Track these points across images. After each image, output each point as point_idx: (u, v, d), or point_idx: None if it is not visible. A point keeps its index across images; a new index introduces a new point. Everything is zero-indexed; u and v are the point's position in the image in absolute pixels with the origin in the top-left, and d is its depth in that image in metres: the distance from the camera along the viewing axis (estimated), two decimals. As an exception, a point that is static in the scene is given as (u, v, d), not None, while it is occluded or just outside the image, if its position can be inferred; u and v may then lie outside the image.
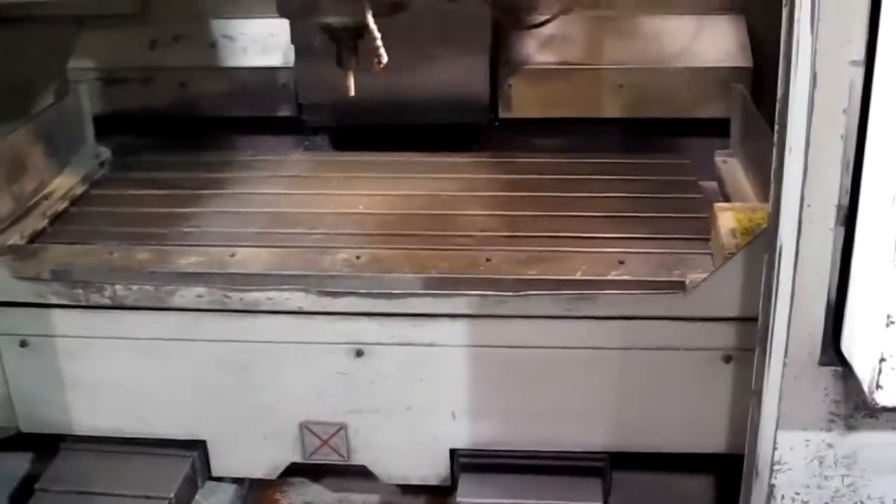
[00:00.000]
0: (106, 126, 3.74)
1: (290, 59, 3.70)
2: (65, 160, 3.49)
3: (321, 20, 2.72)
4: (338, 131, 3.83)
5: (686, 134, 3.58)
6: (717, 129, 3.50)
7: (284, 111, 3.78)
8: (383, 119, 3.64)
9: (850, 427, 1.87)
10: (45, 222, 3.13)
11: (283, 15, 3.05)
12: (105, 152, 3.65)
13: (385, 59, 2.60)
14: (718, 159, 3.38)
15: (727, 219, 2.67)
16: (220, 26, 3.80)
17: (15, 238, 3.00)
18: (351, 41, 2.76)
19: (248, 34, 3.78)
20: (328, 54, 2.81)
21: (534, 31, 3.58)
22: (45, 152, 3.37)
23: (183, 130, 3.79)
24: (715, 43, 3.56)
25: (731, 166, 3.34)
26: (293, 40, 3.57)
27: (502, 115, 3.68)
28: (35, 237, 3.06)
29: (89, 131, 3.67)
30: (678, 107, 3.55)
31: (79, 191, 3.38)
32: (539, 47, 3.64)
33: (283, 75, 3.73)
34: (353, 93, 2.80)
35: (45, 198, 3.29)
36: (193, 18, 3.80)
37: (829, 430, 1.87)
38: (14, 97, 3.76)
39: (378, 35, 2.58)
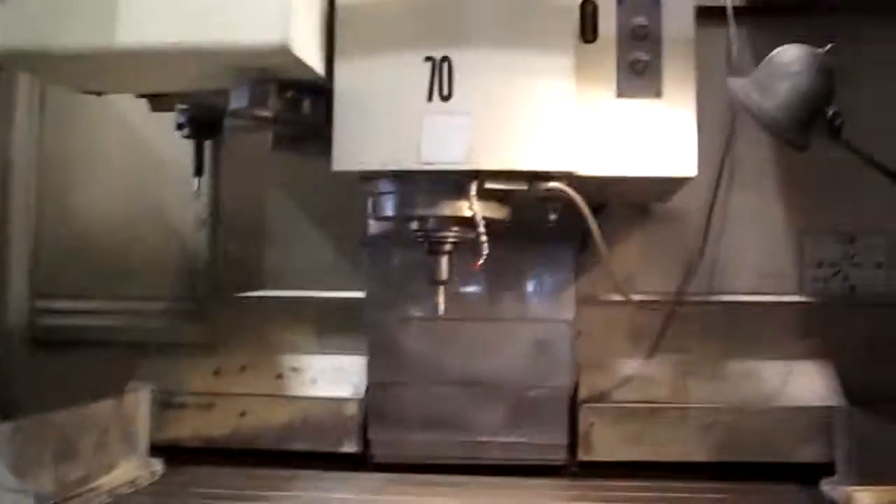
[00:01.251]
0: (158, 453, 3.50)
1: (361, 391, 3.58)
2: (115, 460, 3.22)
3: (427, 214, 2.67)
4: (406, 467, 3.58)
5: (780, 478, 3.34)
6: (812, 473, 3.28)
7: (349, 446, 3.57)
8: (459, 452, 3.44)
9: None
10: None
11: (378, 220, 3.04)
12: (157, 463, 3.38)
13: (486, 251, 2.55)
14: (826, 487, 3.13)
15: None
16: (289, 360, 3.73)
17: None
18: (451, 245, 2.72)
19: (317, 367, 3.70)
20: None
21: (616, 372, 3.53)
22: (96, 444, 3.12)
23: (239, 462, 3.55)
24: (805, 385, 3.47)
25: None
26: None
27: (582, 457, 3.46)
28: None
29: (144, 437, 3.41)
30: (771, 449, 3.36)
31: (125, 491, 3.11)
32: (621, 387, 3.53)
33: (350, 407, 3.58)
34: (442, 311, 2.68)
35: (91, 490, 3.00)
36: (262, 350, 3.75)
37: None
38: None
39: (483, 231, 2.54)
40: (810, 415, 3.37)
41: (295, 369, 3.70)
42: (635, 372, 3.54)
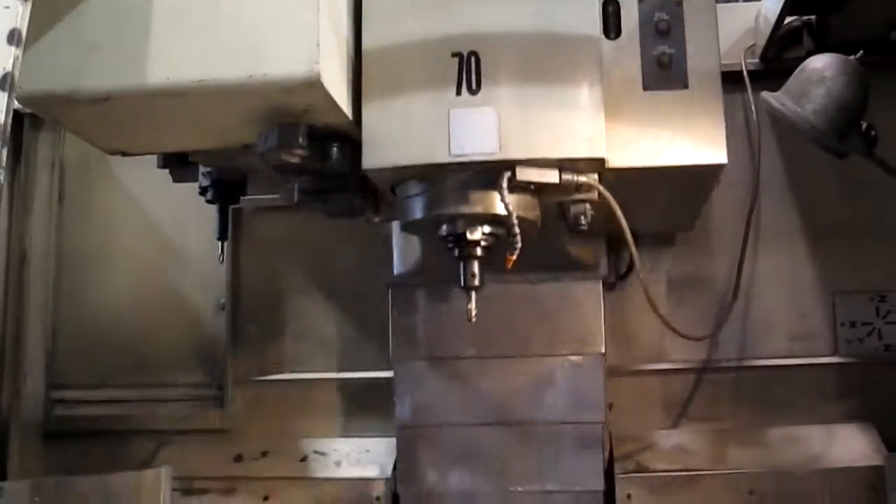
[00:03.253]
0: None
1: (387, 470, 3.46)
2: (138, 540, 3.09)
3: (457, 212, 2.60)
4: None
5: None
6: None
7: (377, 534, 3.46)
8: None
9: None
10: None
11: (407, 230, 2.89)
12: (177, 546, 3.25)
13: (519, 246, 2.48)
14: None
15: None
16: (312, 443, 3.64)
17: None
18: (482, 249, 2.63)
19: (341, 450, 3.60)
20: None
21: (651, 442, 3.44)
22: (119, 509, 3.00)
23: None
24: (847, 447, 3.35)
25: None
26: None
27: (620, 529, 3.33)
28: None
29: (166, 511, 3.29)
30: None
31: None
32: (658, 457, 3.42)
33: (376, 487, 3.45)
34: (474, 317, 2.61)
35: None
36: (284, 435, 3.66)
37: None
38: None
39: (516, 223, 2.47)
40: (855, 476, 3.27)
41: (319, 453, 3.60)
42: (670, 441, 3.45)
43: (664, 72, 2.62)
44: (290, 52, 2.25)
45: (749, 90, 3.43)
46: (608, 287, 3.51)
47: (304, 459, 3.58)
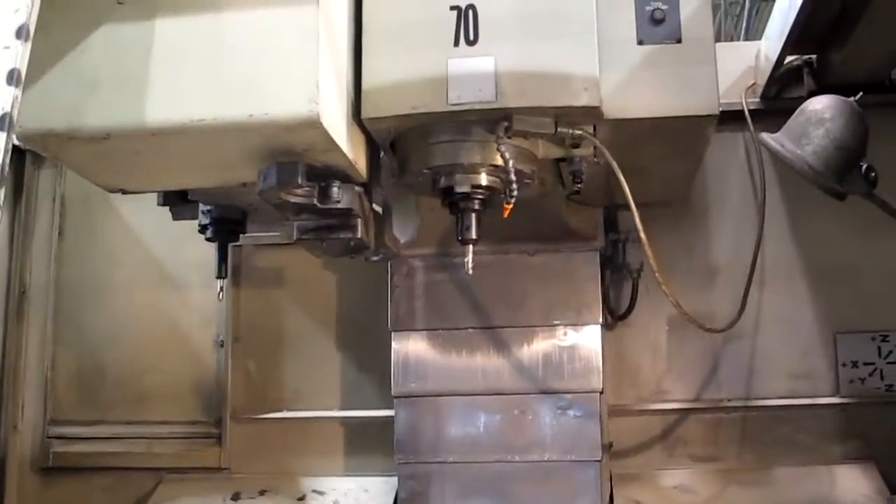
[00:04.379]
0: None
1: (393, 510, 3.48)
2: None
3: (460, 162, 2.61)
4: None
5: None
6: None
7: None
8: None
9: None
10: None
11: (407, 187, 2.87)
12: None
13: (516, 193, 2.51)
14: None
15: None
16: (311, 482, 3.62)
17: None
18: (478, 202, 2.65)
19: (340, 489, 3.58)
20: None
21: (653, 482, 3.42)
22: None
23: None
24: (849, 488, 3.33)
25: None
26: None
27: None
28: None
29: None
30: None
31: None
32: (660, 496, 3.39)
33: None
34: (471, 270, 2.63)
35: None
36: (282, 473, 3.64)
37: None
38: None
39: (513, 171, 2.49)
40: (857, 516, 3.25)
41: (317, 492, 3.57)
42: (672, 482, 3.43)
43: (658, 27, 2.63)
44: (290, 92, 2.24)
45: (751, 128, 3.45)
46: (608, 327, 3.52)
47: (302, 498, 3.56)
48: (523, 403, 3.34)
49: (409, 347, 3.41)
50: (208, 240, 3.10)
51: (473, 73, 2.47)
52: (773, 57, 3.35)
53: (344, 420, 3.71)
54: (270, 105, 2.25)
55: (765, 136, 2.77)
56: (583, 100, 2.48)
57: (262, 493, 3.58)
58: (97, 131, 2.29)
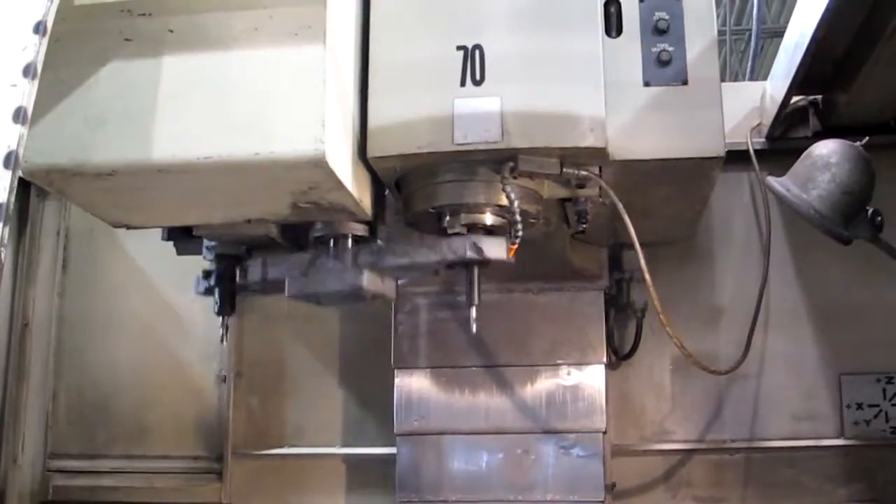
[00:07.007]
0: None
1: None
2: None
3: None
4: None
5: None
6: None
7: None
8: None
9: None
10: None
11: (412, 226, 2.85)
12: None
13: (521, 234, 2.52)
14: None
15: None
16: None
17: None
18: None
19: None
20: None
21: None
22: None
23: None
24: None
25: None
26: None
27: None
28: None
29: None
30: None
31: None
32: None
33: None
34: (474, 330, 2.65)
35: None
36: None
37: None
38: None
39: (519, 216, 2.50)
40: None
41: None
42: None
43: (664, 69, 2.65)
44: (297, 131, 2.24)
45: (756, 169, 3.45)
46: (612, 366, 3.50)
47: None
48: (526, 443, 3.32)
49: (412, 385, 3.41)
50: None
51: (479, 114, 2.47)
52: (779, 97, 3.35)
53: (346, 457, 3.69)
54: (276, 144, 2.24)
55: (771, 179, 2.77)
56: (589, 141, 2.47)
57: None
58: (103, 167, 2.28)
